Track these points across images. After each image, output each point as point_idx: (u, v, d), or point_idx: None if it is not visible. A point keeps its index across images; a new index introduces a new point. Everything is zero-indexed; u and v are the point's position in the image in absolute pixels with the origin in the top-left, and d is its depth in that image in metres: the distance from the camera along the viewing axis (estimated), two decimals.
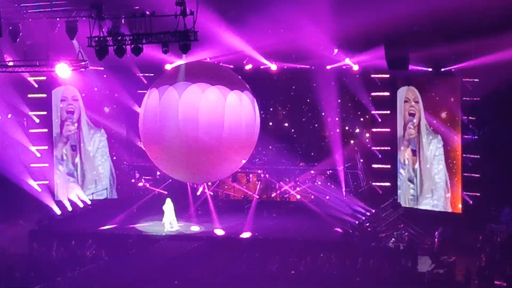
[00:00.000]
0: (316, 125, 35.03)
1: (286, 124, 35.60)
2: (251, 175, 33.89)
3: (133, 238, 28.46)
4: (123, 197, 34.52)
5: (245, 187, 33.97)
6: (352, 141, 34.54)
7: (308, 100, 34.86)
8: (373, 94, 33.19)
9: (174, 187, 33.30)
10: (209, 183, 33.14)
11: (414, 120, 31.05)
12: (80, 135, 34.57)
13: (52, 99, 34.08)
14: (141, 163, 34.53)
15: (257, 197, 33.57)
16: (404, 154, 31.51)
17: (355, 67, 31.74)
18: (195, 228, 30.15)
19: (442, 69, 29.65)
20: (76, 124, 34.49)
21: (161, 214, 30.84)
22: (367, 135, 34.16)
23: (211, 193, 33.43)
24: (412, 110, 31.04)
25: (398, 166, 31.81)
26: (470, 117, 29.66)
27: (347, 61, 31.29)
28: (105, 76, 33.99)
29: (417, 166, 31.01)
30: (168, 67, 31.58)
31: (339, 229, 28.66)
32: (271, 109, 35.41)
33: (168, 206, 30.27)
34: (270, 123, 35.27)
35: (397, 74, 31.25)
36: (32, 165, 33.57)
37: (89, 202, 33.73)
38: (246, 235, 28.99)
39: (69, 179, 34.19)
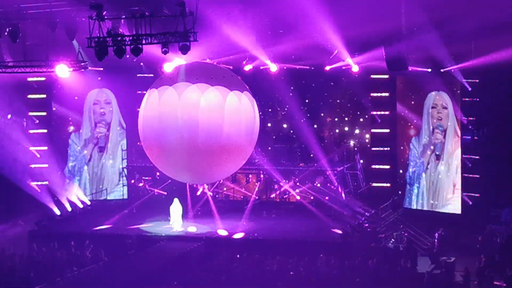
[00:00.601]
0: (315, 126, 35.00)
1: (285, 125, 35.56)
2: (250, 176, 33.90)
3: (132, 238, 28.45)
4: (123, 198, 34.57)
5: (244, 188, 33.95)
6: (351, 142, 34.52)
7: (307, 101, 34.84)
8: (372, 94, 33.16)
9: (174, 188, 33.31)
10: (209, 184, 33.12)
11: (443, 125, 30.89)
12: (109, 136, 34.84)
13: (85, 102, 34.61)
14: (140, 163, 34.56)
15: (256, 197, 33.60)
16: (428, 159, 31.32)
17: (355, 68, 31.68)
18: (192, 229, 30.15)
19: (442, 70, 29.64)
20: (107, 126, 34.88)
21: (161, 214, 30.97)
22: (367, 135, 34.14)
23: (211, 194, 33.42)
24: (440, 117, 30.90)
25: (421, 170, 31.51)
26: (469, 118, 29.68)
27: (348, 61, 31.19)
28: (99, 78, 34.05)
29: (440, 169, 30.91)
30: (167, 67, 31.55)
31: (338, 230, 28.65)
32: (270, 109, 35.37)
33: (176, 206, 30.27)
34: (269, 124, 35.23)
35: (397, 75, 31.29)
36: (32, 165, 33.64)
37: (88, 203, 33.75)
38: (239, 235, 29.05)
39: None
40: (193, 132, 27.38)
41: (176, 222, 30.18)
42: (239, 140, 28.10)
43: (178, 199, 30.67)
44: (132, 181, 35.14)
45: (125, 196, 34.95)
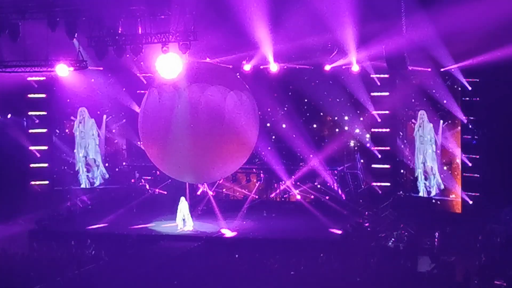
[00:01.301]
0: (315, 125, 34.96)
1: (285, 125, 35.44)
2: (251, 175, 33.91)
3: (132, 238, 28.44)
4: (123, 197, 34.49)
5: (244, 188, 33.94)
6: (351, 141, 34.48)
7: (306, 100, 34.72)
8: (372, 94, 33.13)
9: (174, 187, 33.33)
10: (209, 183, 33.12)
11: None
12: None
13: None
14: (140, 163, 34.54)
15: (256, 197, 33.65)
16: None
17: (355, 67, 31.68)
18: (192, 228, 30.17)
19: (442, 69, 29.64)
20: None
21: (162, 213, 30.99)
22: (367, 135, 34.09)
23: (212, 194, 33.40)
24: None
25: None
26: (469, 117, 29.68)
27: (347, 59, 31.11)
28: (92, 80, 34.00)
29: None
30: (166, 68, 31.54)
31: (337, 231, 28.63)
32: (270, 109, 35.23)
33: (183, 205, 30.25)
34: (269, 124, 35.07)
35: (397, 74, 31.31)
36: (31, 165, 33.69)
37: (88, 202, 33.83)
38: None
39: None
40: (192, 132, 27.45)
41: (185, 220, 30.09)
42: (239, 140, 28.17)
43: (184, 197, 30.66)
44: (132, 181, 35.16)
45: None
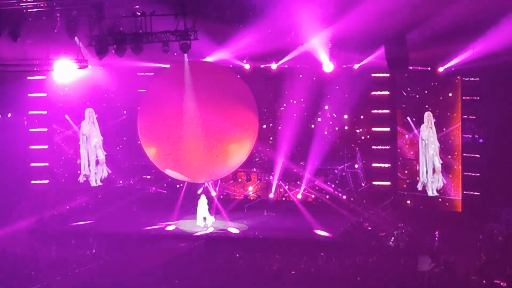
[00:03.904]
0: (312, 126, 34.88)
1: (285, 124, 35.42)
2: (251, 175, 33.93)
3: (133, 237, 28.45)
4: (123, 196, 34.51)
5: (244, 187, 33.97)
6: (351, 140, 34.44)
7: (302, 99, 34.63)
8: (373, 93, 33.10)
9: (172, 186, 33.38)
10: (208, 183, 33.15)
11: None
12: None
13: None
14: (140, 162, 34.54)
15: (256, 196, 33.67)
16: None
17: (355, 66, 31.68)
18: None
19: (442, 68, 29.64)
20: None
21: (161, 212, 31.06)
22: (368, 134, 34.04)
23: (215, 193, 33.43)
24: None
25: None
26: (470, 116, 29.69)
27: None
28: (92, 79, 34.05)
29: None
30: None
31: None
32: (270, 108, 35.26)
33: (202, 202, 30.22)
34: (266, 125, 34.95)
35: (397, 73, 31.30)
36: (32, 164, 33.70)
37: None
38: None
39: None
40: (191, 132, 27.54)
41: (202, 218, 30.09)
42: (239, 138, 28.26)
43: (205, 195, 30.67)
44: (132, 180, 35.19)
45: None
